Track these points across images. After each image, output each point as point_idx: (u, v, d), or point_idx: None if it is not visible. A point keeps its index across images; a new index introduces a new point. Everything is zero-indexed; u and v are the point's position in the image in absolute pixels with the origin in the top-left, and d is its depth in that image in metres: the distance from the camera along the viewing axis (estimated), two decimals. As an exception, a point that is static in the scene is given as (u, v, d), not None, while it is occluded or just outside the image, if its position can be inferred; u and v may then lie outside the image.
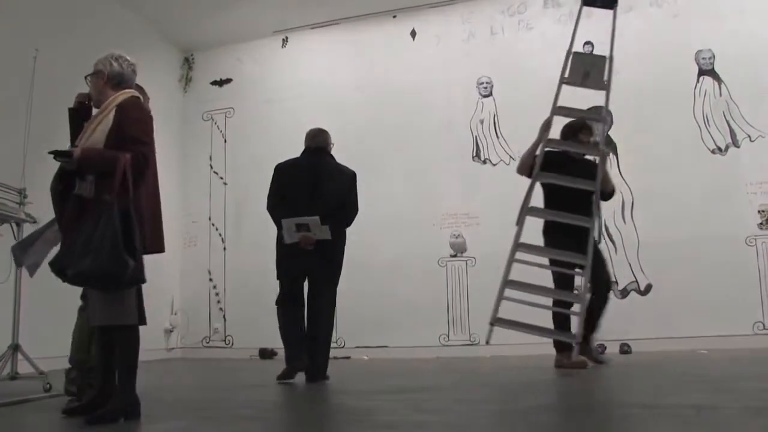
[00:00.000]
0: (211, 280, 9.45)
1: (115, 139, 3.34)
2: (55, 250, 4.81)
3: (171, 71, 9.98)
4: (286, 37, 9.75)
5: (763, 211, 7.51)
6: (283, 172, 5.62)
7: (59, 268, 3.24)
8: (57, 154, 3.28)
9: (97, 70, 3.58)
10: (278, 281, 5.50)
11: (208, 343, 9.33)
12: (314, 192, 5.44)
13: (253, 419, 3.66)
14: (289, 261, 5.44)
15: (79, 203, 3.33)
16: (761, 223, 7.51)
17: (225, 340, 9.22)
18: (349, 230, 5.72)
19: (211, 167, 9.65)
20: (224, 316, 9.28)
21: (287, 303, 5.46)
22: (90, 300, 3.39)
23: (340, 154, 8.41)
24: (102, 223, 3.12)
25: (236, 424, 3.46)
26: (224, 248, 9.52)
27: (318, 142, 5.70)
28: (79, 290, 3.73)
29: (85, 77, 3.64)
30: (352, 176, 5.74)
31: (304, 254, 5.35)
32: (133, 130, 3.38)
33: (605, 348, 7.48)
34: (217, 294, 9.39)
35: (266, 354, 8.64)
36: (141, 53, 8.80)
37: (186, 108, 10.03)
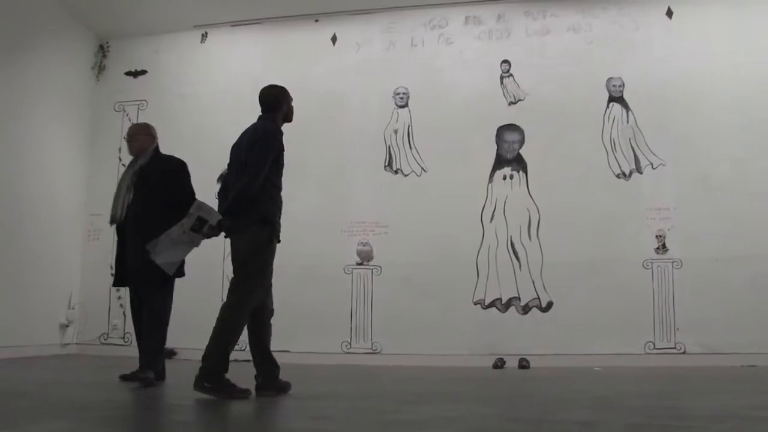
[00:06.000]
0: (113, 275, 9.11)
1: None
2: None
3: (84, 58, 9.60)
4: (206, 33, 9.56)
5: (660, 236, 7.81)
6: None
7: None
8: None
9: None
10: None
11: (106, 339, 9.02)
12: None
13: (138, 420, 3.57)
14: None
15: None
16: (658, 248, 7.80)
17: (124, 338, 8.94)
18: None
19: (120, 159, 9.31)
20: (124, 312, 8.97)
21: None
22: None
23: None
24: None
25: (120, 424, 3.36)
26: (128, 243, 9.21)
27: None
28: None
29: None
30: None
31: None
32: None
33: (504, 362, 7.62)
34: (118, 290, 9.06)
35: (166, 354, 8.41)
36: (52, 36, 8.65)
37: (97, 97, 9.68)
